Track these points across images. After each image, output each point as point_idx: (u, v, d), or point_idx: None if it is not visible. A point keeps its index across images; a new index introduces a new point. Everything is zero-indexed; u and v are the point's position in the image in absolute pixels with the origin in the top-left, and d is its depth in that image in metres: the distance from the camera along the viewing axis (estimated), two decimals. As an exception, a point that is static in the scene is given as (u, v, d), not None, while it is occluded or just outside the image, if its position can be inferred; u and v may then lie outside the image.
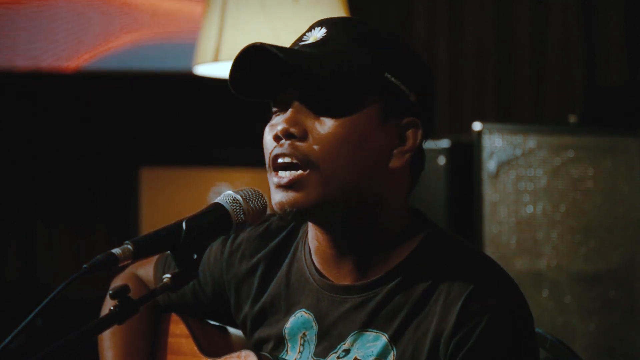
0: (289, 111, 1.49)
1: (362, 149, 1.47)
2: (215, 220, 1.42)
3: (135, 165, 4.79)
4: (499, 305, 1.45)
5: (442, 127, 4.19)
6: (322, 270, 1.56)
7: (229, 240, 1.68)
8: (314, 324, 1.56)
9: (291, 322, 1.58)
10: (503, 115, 4.26)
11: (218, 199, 1.45)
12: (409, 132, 1.51)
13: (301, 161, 1.46)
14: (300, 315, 1.57)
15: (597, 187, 3.05)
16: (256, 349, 1.64)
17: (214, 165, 4.70)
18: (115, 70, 4.71)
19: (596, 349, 3.03)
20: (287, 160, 1.47)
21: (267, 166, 1.51)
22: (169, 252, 1.40)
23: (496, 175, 3.15)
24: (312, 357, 1.55)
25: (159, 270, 1.76)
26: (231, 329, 1.78)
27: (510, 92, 4.31)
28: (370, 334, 1.50)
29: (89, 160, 4.94)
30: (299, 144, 1.46)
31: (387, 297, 1.50)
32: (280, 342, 1.59)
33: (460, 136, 3.40)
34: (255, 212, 1.45)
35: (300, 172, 1.46)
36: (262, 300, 1.62)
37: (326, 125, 1.46)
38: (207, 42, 2.79)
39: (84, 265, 1.29)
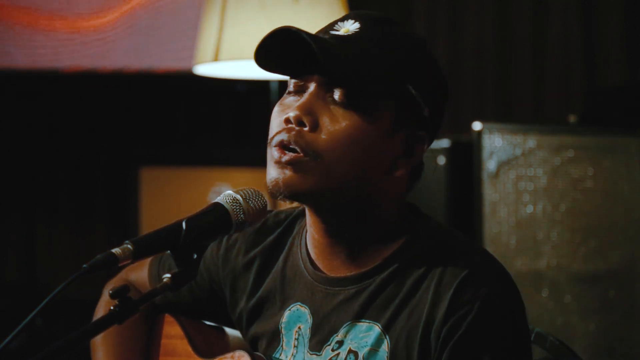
0: (306, 97, 1.48)
1: (368, 153, 1.47)
2: (215, 220, 1.42)
3: (135, 165, 4.79)
4: (490, 293, 1.45)
5: (442, 127, 4.18)
6: (316, 263, 1.56)
7: (225, 237, 1.68)
8: (308, 317, 1.56)
9: (287, 316, 1.59)
10: (503, 115, 4.26)
11: (218, 199, 1.45)
12: (417, 147, 1.52)
13: (304, 150, 1.46)
14: (296, 309, 1.58)
15: (597, 187, 3.06)
16: (252, 344, 1.64)
17: (214, 165, 4.70)
18: (115, 70, 4.71)
19: (596, 349, 3.03)
20: (291, 147, 1.46)
21: (268, 140, 1.50)
22: (168, 252, 1.40)
23: (496, 175, 3.16)
24: (308, 352, 1.55)
25: (154, 271, 1.76)
26: (228, 330, 1.78)
27: (510, 92, 4.31)
28: (363, 324, 1.51)
29: (88, 160, 4.94)
30: (307, 133, 1.46)
31: (380, 288, 1.51)
32: (275, 337, 1.60)
33: (460, 136, 3.40)
34: (255, 211, 1.45)
35: (302, 155, 1.46)
36: (258, 295, 1.63)
37: (339, 122, 1.46)
38: (207, 42, 2.79)
39: (84, 265, 1.29)
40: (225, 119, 4.71)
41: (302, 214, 1.64)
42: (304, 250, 1.59)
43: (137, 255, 1.34)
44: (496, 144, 3.16)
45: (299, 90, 1.50)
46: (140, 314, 1.74)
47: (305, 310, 1.57)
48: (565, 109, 4.02)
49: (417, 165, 1.54)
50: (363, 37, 1.48)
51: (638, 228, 3.02)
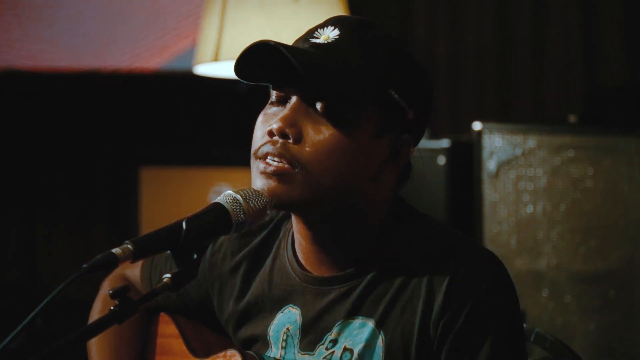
0: (288, 108, 1.48)
1: (354, 162, 1.47)
2: (215, 220, 1.42)
3: (135, 165, 4.79)
4: (484, 285, 1.46)
5: (442, 127, 4.19)
6: (304, 264, 1.56)
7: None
8: (298, 317, 1.56)
9: (278, 318, 1.59)
10: (503, 115, 4.26)
11: (218, 199, 1.45)
12: (402, 150, 1.52)
13: (290, 162, 1.46)
14: (288, 311, 1.58)
15: (597, 187, 3.06)
16: (242, 347, 1.64)
17: (214, 165, 4.70)
18: (115, 70, 4.71)
19: (596, 349, 3.03)
20: (276, 160, 1.47)
21: (252, 152, 1.50)
22: (168, 252, 1.40)
23: (496, 175, 3.16)
24: (299, 353, 1.55)
25: (146, 274, 1.76)
26: None
27: (510, 92, 4.31)
28: (356, 321, 1.51)
29: (89, 160, 4.94)
30: (291, 145, 1.46)
31: (371, 284, 1.51)
32: (264, 340, 1.60)
33: (460, 136, 3.40)
34: (255, 211, 1.45)
35: (288, 167, 1.46)
36: (246, 299, 1.63)
37: (322, 132, 1.46)
38: (207, 42, 2.79)
39: (84, 265, 1.29)
40: (225, 119, 4.71)
41: (287, 216, 1.64)
42: (290, 252, 1.59)
43: (137, 255, 1.34)
44: (496, 144, 3.16)
45: (282, 100, 1.50)
46: (138, 313, 1.75)
47: (295, 312, 1.57)
48: (565, 109, 4.02)
49: (405, 167, 1.54)
50: (343, 45, 1.48)
51: (638, 228, 3.02)
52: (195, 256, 1.40)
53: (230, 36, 2.72)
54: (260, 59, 1.48)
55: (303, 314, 1.56)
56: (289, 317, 1.57)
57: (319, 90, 1.46)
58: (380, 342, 1.49)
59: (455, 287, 1.45)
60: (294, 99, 1.49)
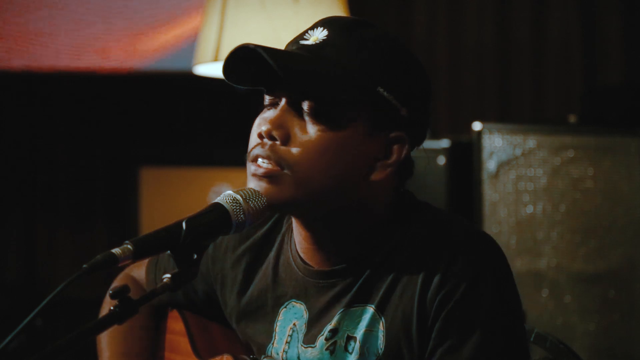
0: (277, 111, 1.50)
1: (343, 160, 1.48)
2: (215, 220, 1.42)
3: (135, 165, 4.79)
4: (480, 263, 1.46)
5: (442, 127, 4.19)
6: (305, 259, 1.57)
7: None
8: (304, 312, 1.57)
9: (282, 313, 1.59)
10: (503, 115, 4.26)
11: (218, 199, 1.45)
12: (395, 147, 1.51)
13: (278, 164, 1.47)
14: (292, 306, 1.58)
15: (597, 187, 3.05)
16: (245, 343, 1.65)
17: (214, 165, 4.70)
18: (115, 70, 4.71)
19: (596, 349, 3.03)
20: (265, 162, 1.48)
21: (247, 156, 1.52)
22: (168, 252, 1.40)
23: (496, 175, 3.16)
24: (301, 345, 1.56)
25: (150, 273, 1.76)
26: None
27: (510, 92, 4.31)
28: (357, 309, 1.52)
29: (88, 160, 4.94)
30: (278, 147, 1.47)
31: (372, 274, 1.51)
32: (268, 335, 1.60)
33: (460, 136, 3.40)
34: (255, 212, 1.45)
35: (277, 167, 1.47)
36: (248, 293, 1.63)
37: (309, 133, 1.47)
38: (207, 42, 2.79)
39: (84, 265, 1.29)
40: (225, 119, 4.71)
41: None
42: (293, 247, 1.60)
43: (137, 256, 1.34)
44: (496, 144, 3.16)
45: (274, 103, 1.51)
46: (149, 308, 1.75)
47: (301, 307, 1.57)
48: (565, 109, 4.02)
49: (404, 163, 1.53)
50: (330, 45, 1.48)
51: (638, 228, 3.02)
52: (196, 256, 1.40)
53: (230, 36, 2.72)
54: (246, 64, 1.49)
55: (309, 309, 1.56)
56: (294, 313, 1.58)
57: (300, 91, 1.47)
58: (381, 326, 1.49)
59: (452, 269, 1.46)
60: (282, 101, 1.50)
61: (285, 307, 1.59)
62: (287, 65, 1.45)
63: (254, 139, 1.51)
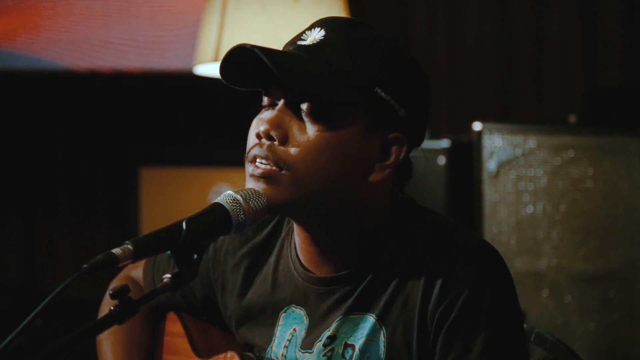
0: (275, 111, 1.49)
1: (341, 161, 1.47)
2: (215, 220, 1.42)
3: (135, 165, 4.79)
4: (480, 275, 1.46)
5: (442, 127, 4.18)
6: (306, 265, 1.56)
7: None
8: (304, 318, 1.56)
9: (282, 318, 1.59)
10: (503, 115, 4.26)
11: (218, 199, 1.45)
12: (393, 148, 1.50)
13: (276, 164, 1.47)
14: (292, 311, 1.58)
15: (597, 187, 3.05)
16: (245, 346, 1.65)
17: (214, 165, 4.70)
18: (115, 70, 4.71)
19: (596, 349, 3.03)
20: (263, 162, 1.48)
21: (245, 156, 1.52)
22: (168, 252, 1.40)
23: (496, 175, 3.16)
24: (299, 351, 1.55)
25: (148, 273, 1.76)
26: None
27: (510, 92, 4.31)
28: (357, 316, 1.51)
29: (88, 160, 4.94)
30: (277, 147, 1.47)
31: (372, 282, 1.51)
32: (267, 339, 1.60)
33: (460, 136, 3.40)
34: (255, 212, 1.45)
35: (275, 167, 1.47)
36: (248, 297, 1.63)
37: (307, 133, 1.47)
38: (207, 42, 2.79)
39: (84, 265, 1.29)
40: (225, 119, 4.71)
41: None
42: (293, 252, 1.59)
43: (137, 256, 1.34)
44: (496, 144, 3.16)
45: (272, 104, 1.51)
46: (148, 309, 1.75)
47: (301, 312, 1.57)
48: (565, 109, 4.02)
49: (403, 165, 1.53)
50: (327, 46, 1.48)
51: (638, 228, 3.02)
52: (196, 256, 1.40)
53: (230, 36, 2.73)
54: (244, 64, 1.49)
55: (309, 315, 1.56)
56: (295, 318, 1.57)
57: (298, 91, 1.46)
58: (382, 336, 1.49)
59: (453, 278, 1.45)
60: (281, 101, 1.49)
61: (285, 312, 1.59)
62: (284, 66, 1.44)
63: (251, 139, 1.51)
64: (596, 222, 3.05)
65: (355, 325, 1.51)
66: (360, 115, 1.48)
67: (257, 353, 1.63)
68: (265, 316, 1.61)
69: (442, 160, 3.27)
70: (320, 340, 1.53)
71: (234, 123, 4.68)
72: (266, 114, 1.51)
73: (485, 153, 3.16)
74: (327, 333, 1.53)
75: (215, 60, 2.75)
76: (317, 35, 1.50)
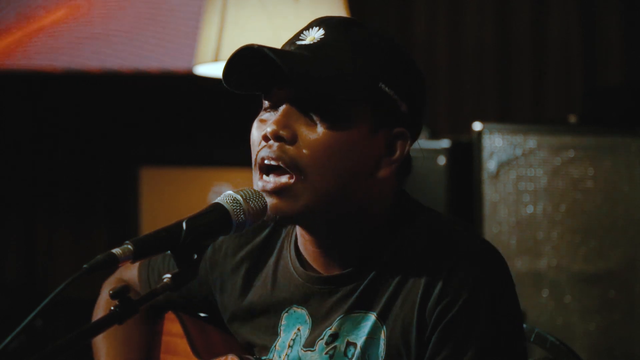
0: (280, 111, 1.49)
1: (350, 158, 1.47)
2: (216, 220, 1.42)
3: (135, 165, 4.79)
4: (481, 276, 1.46)
5: (442, 127, 4.18)
6: (311, 264, 1.56)
7: None
8: (307, 318, 1.56)
9: (285, 318, 1.59)
10: (503, 115, 4.26)
11: (218, 199, 1.45)
12: (398, 144, 1.51)
13: (288, 166, 1.46)
14: (293, 312, 1.58)
15: (597, 187, 3.05)
16: (245, 347, 1.64)
17: (214, 165, 4.70)
18: (115, 69, 4.71)
19: (596, 349, 3.03)
20: (273, 163, 1.47)
21: (252, 162, 1.51)
22: (164, 253, 1.40)
23: (496, 175, 3.16)
24: (301, 349, 1.55)
25: (143, 274, 1.76)
26: None
27: (510, 92, 4.31)
28: (358, 315, 1.51)
29: (88, 160, 4.94)
30: (287, 147, 1.47)
31: (374, 280, 1.51)
32: (270, 340, 1.60)
33: (460, 136, 3.40)
34: (256, 212, 1.45)
35: (285, 179, 1.46)
36: (248, 299, 1.63)
37: (316, 132, 1.46)
38: (207, 42, 2.79)
39: (84, 265, 1.29)
40: (226, 119, 4.71)
41: None
42: (293, 253, 1.59)
43: (137, 256, 1.33)
44: (496, 144, 3.16)
45: (274, 106, 1.51)
46: (144, 309, 1.75)
47: (303, 312, 1.57)
48: (565, 109, 4.02)
49: (404, 160, 1.53)
50: (328, 44, 1.48)
51: (638, 228, 3.02)
52: (196, 256, 1.40)
53: (230, 36, 2.72)
54: (247, 67, 1.49)
55: (312, 314, 1.56)
56: (297, 318, 1.57)
57: (307, 90, 1.46)
58: (382, 334, 1.49)
59: (454, 278, 1.45)
60: (285, 101, 1.49)
61: (287, 312, 1.59)
62: (291, 63, 1.44)
63: (256, 142, 1.50)
64: (596, 222, 3.05)
65: (357, 324, 1.51)
66: (366, 112, 1.48)
67: (257, 354, 1.63)
68: (267, 317, 1.61)
69: (442, 160, 3.27)
70: (322, 339, 1.53)
71: (234, 123, 4.68)
72: (268, 116, 1.50)
73: (485, 153, 3.16)
74: (329, 331, 1.53)
75: (215, 60, 2.75)
76: (316, 34, 1.50)
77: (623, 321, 3.02)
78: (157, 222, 4.06)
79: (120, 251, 1.32)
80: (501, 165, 3.15)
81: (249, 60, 1.48)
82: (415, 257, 1.50)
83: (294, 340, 1.57)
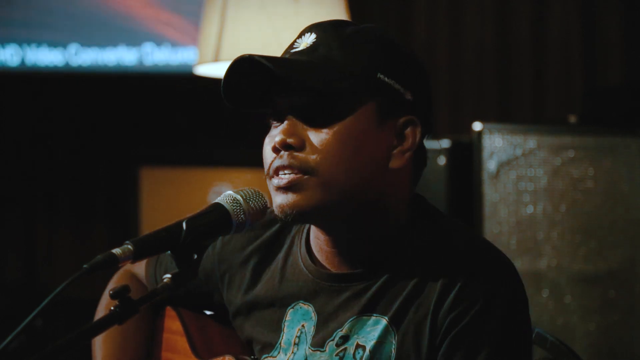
0: (285, 123, 1.49)
1: (361, 153, 1.47)
2: (216, 220, 1.42)
3: (135, 165, 4.79)
4: (496, 288, 1.46)
5: (442, 127, 4.19)
6: (322, 261, 1.56)
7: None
8: (313, 315, 1.56)
9: (290, 314, 1.59)
10: (503, 115, 4.26)
11: (218, 199, 1.45)
12: (408, 131, 1.51)
13: (300, 170, 1.47)
14: (299, 307, 1.58)
15: (597, 187, 3.05)
16: (249, 342, 1.64)
17: (214, 165, 4.71)
18: (116, 70, 4.71)
19: (596, 349, 3.03)
20: (287, 172, 1.48)
21: (265, 174, 1.51)
22: (168, 252, 1.40)
23: (496, 175, 3.16)
24: (309, 348, 1.55)
25: (151, 271, 1.76)
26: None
27: (510, 92, 4.31)
28: (370, 318, 1.51)
29: (88, 160, 4.94)
30: (297, 154, 1.47)
31: (387, 283, 1.51)
32: (274, 336, 1.60)
33: (460, 136, 3.40)
34: (256, 212, 1.45)
35: (300, 175, 1.47)
36: (254, 293, 1.63)
37: (322, 133, 1.47)
38: (207, 42, 2.79)
39: (84, 265, 1.29)
40: (225, 119, 4.71)
41: None
42: (304, 249, 1.59)
43: (137, 256, 1.34)
44: (496, 144, 3.16)
45: (279, 119, 1.51)
46: (144, 307, 1.75)
47: (309, 308, 1.57)
48: (565, 109, 4.02)
49: (418, 151, 1.53)
50: (321, 45, 1.49)
51: (638, 228, 3.01)
52: (196, 256, 1.40)
53: (230, 36, 2.73)
54: (244, 77, 1.49)
55: (318, 312, 1.56)
56: (303, 314, 1.57)
57: (305, 90, 1.47)
58: (393, 339, 1.49)
59: (468, 287, 1.45)
60: (288, 112, 1.50)
61: (293, 307, 1.59)
62: (285, 67, 1.46)
63: (268, 156, 1.51)
64: (596, 222, 3.05)
65: (368, 327, 1.51)
66: (369, 104, 1.48)
67: (257, 354, 1.63)
68: (272, 311, 1.61)
69: (442, 160, 3.27)
70: (332, 340, 1.53)
71: (234, 123, 4.69)
72: (276, 130, 1.51)
73: (485, 153, 3.16)
74: (340, 333, 1.53)
75: (216, 60, 2.75)
76: (309, 40, 1.51)
77: (623, 321, 3.02)
78: (157, 222, 4.07)
79: (120, 251, 1.32)
80: (501, 165, 3.15)
81: (246, 70, 1.48)
82: (431, 263, 1.50)
83: (299, 337, 1.57)
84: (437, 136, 3.37)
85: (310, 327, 1.56)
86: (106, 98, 4.94)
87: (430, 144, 3.27)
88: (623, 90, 3.72)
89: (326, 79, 1.46)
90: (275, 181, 1.48)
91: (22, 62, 4.77)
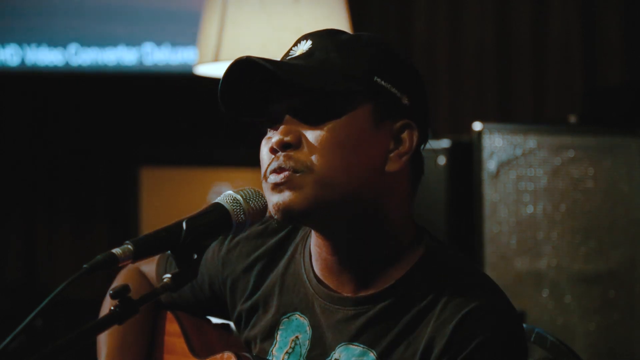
0: (282, 124, 1.49)
1: (357, 154, 1.47)
2: (216, 220, 1.42)
3: (135, 165, 4.80)
4: (491, 331, 1.43)
5: (442, 127, 4.19)
6: (321, 277, 1.55)
7: (227, 239, 1.68)
8: (307, 328, 1.56)
9: (284, 323, 1.58)
10: (503, 115, 4.26)
11: (218, 199, 1.45)
12: (405, 135, 1.50)
13: (296, 169, 1.46)
14: (295, 319, 1.58)
15: (597, 187, 3.05)
16: (247, 345, 1.64)
17: (214, 165, 4.71)
18: (116, 70, 4.71)
19: (596, 349, 3.03)
20: (282, 173, 1.46)
21: (262, 177, 1.51)
22: (169, 252, 1.40)
23: (496, 175, 3.16)
24: None
25: (161, 269, 1.76)
26: (234, 329, 1.78)
27: (510, 92, 4.31)
28: (357, 348, 1.50)
29: (89, 160, 4.95)
30: (294, 153, 1.46)
31: (379, 314, 1.49)
32: (268, 341, 1.60)
33: (460, 136, 3.40)
34: (256, 212, 1.45)
35: (296, 173, 1.46)
36: (255, 297, 1.63)
37: (319, 133, 1.47)
38: (207, 42, 2.79)
39: (84, 265, 1.29)
40: (226, 119, 4.71)
41: None
42: (307, 260, 1.58)
43: (137, 256, 1.34)
44: (496, 144, 3.16)
45: (276, 124, 1.51)
46: (146, 308, 1.75)
47: (304, 321, 1.56)
48: (565, 109, 4.02)
49: (415, 157, 1.53)
50: (317, 50, 1.49)
51: (638, 228, 3.02)
52: (196, 256, 1.40)
53: (230, 36, 2.73)
54: (241, 80, 1.49)
55: (312, 326, 1.55)
56: (298, 326, 1.57)
57: (302, 91, 1.47)
58: None
59: (462, 329, 1.43)
60: (285, 114, 1.49)
61: (288, 318, 1.58)
62: (283, 68, 1.46)
63: (265, 158, 1.50)
64: (596, 222, 3.05)
65: (354, 357, 1.50)
66: (365, 106, 1.48)
67: (254, 353, 1.63)
68: (269, 318, 1.60)
69: (442, 160, 3.27)
70: None
71: (234, 123, 4.68)
72: (273, 132, 1.51)
73: (485, 153, 3.16)
74: (334, 356, 1.52)
75: (216, 60, 2.75)
76: (304, 47, 1.51)
77: (623, 321, 3.02)
78: (157, 222, 4.07)
79: (120, 251, 1.32)
80: (501, 165, 3.15)
81: (244, 73, 1.48)
82: (426, 300, 1.47)
83: (292, 348, 1.56)
84: (437, 136, 3.37)
85: (305, 340, 1.56)
86: (106, 98, 4.94)
87: (430, 144, 3.26)
88: (623, 90, 3.72)
89: (325, 80, 1.46)
90: (272, 177, 1.47)
91: (22, 62, 4.77)
